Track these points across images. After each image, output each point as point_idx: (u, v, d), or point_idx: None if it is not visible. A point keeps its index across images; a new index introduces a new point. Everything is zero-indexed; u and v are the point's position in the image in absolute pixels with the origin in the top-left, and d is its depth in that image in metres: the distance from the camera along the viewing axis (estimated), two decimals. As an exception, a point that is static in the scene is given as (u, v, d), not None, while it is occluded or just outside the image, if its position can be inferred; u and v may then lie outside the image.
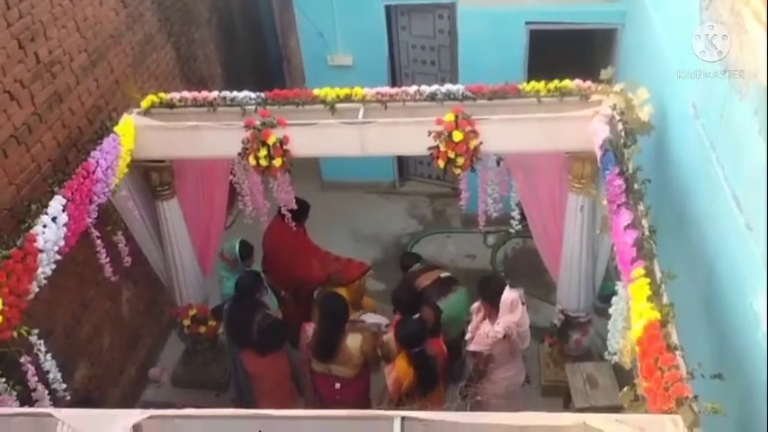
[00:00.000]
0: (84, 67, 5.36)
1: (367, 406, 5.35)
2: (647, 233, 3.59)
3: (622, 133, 4.38)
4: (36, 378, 3.92)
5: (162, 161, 5.26)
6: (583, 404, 5.34)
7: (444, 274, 5.82)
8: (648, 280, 3.26)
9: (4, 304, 3.61)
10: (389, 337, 4.93)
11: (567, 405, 5.70)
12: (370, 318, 5.44)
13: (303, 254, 6.13)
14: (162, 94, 5.26)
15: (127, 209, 5.23)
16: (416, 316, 4.92)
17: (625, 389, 3.42)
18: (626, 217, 3.67)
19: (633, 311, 3.24)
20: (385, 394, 4.93)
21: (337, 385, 5.13)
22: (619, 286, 3.95)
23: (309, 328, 5.19)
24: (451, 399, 5.01)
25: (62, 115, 5.09)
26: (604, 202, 4.32)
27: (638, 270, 3.32)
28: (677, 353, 2.96)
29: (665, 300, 3.24)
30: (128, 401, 6.11)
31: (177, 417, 2.99)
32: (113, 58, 5.78)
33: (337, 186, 8.54)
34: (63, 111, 5.10)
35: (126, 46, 6.00)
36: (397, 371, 4.78)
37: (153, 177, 5.33)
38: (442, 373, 4.90)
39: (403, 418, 2.83)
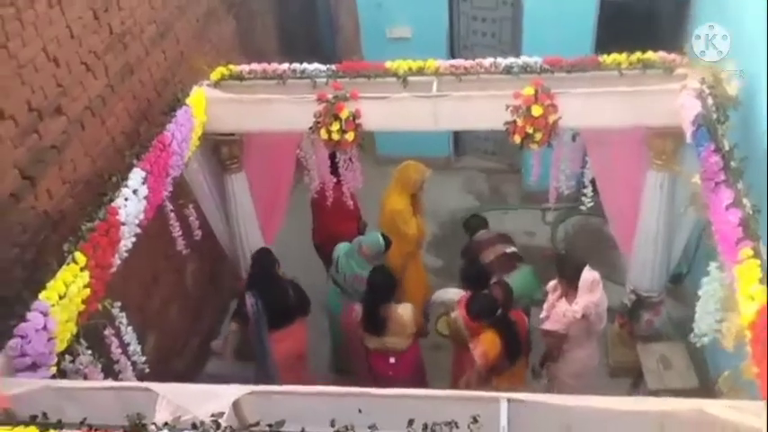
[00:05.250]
0: (153, 38, 5.32)
1: (420, 381, 5.34)
2: (749, 212, 3.44)
3: (713, 108, 4.20)
4: (120, 350, 3.94)
5: (232, 134, 5.22)
6: (657, 386, 5.24)
7: (510, 250, 5.72)
8: (758, 261, 3.12)
9: (91, 277, 3.63)
10: (457, 314, 4.85)
11: (636, 386, 5.60)
12: (449, 293, 5.36)
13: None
14: (231, 67, 5.21)
15: (197, 182, 5.22)
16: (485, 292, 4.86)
17: (726, 373, 3.32)
18: (727, 195, 3.52)
19: (742, 294, 3.10)
20: (469, 372, 4.82)
21: (392, 360, 5.12)
22: (712, 267, 3.80)
23: (357, 307, 5.15)
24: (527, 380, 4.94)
25: (133, 87, 5.06)
26: (693, 180, 4.17)
27: (746, 251, 3.17)
28: (794, 338, 2.83)
29: (774, 282, 3.10)
30: (191, 373, 6.16)
31: (276, 393, 2.97)
32: (179, 29, 5.73)
33: (392, 161, 8.38)
34: (134, 82, 5.07)
35: (191, 17, 5.95)
36: (483, 344, 4.67)
37: (222, 151, 5.30)
38: (525, 341, 4.81)
39: (509, 400, 2.77)
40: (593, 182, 5.31)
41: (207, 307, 6.48)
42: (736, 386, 3.23)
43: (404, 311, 5.05)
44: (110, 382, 3.32)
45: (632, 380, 5.65)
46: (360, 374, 5.51)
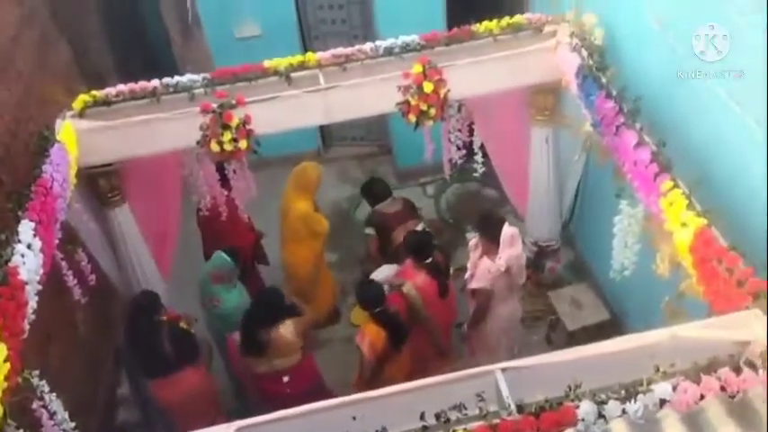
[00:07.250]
0: (-5, 76, 4.76)
1: (320, 390, 5.08)
2: (654, 148, 3.69)
3: (590, 58, 4.46)
4: (52, 422, 3.53)
5: (109, 165, 4.81)
6: (574, 326, 5.57)
7: (419, 227, 5.76)
8: (680, 190, 3.37)
9: (8, 349, 3.20)
10: (409, 287, 4.85)
11: (554, 329, 5.89)
12: (384, 270, 5.29)
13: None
14: (95, 92, 4.78)
15: (82, 222, 4.75)
16: (429, 260, 4.92)
17: (666, 299, 3.55)
18: (631, 136, 3.75)
19: (673, 223, 3.33)
20: (364, 363, 4.79)
21: (285, 379, 4.88)
22: (623, 204, 4.07)
23: (236, 336, 4.93)
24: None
25: (-14, 134, 4.51)
26: (585, 129, 4.43)
27: (667, 183, 3.41)
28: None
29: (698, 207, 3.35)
30: (106, 426, 5.69)
31: (266, 422, 2.79)
32: (19, 61, 5.15)
33: (261, 165, 8.17)
34: (-14, 128, 4.51)
35: (27, 46, 5.36)
36: (369, 335, 4.70)
37: (101, 184, 4.87)
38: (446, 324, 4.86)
39: (503, 369, 2.80)
40: (481, 148, 5.48)
41: (106, 353, 5.98)
42: (678, 309, 3.47)
43: (285, 331, 4.76)
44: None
45: (548, 326, 5.94)
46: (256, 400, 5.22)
